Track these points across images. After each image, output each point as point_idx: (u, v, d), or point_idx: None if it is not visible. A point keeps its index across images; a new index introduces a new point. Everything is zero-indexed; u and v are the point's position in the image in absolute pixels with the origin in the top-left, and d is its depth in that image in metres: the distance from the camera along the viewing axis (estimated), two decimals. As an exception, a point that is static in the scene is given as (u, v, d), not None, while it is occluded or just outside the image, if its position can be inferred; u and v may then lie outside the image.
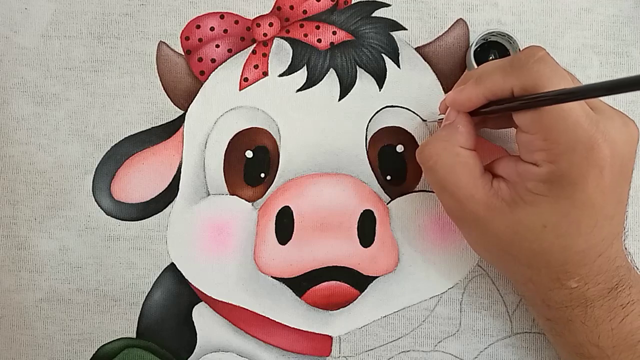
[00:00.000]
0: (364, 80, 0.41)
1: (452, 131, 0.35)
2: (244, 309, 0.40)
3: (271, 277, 0.40)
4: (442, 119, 0.37)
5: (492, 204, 0.33)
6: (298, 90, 0.41)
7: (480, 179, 0.34)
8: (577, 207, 0.31)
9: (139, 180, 0.41)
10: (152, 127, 0.41)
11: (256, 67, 0.41)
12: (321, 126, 0.41)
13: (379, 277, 0.40)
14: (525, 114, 0.32)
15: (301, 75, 0.41)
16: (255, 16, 0.42)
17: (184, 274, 0.41)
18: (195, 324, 0.41)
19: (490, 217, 0.33)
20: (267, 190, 0.40)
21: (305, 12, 0.41)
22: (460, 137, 0.34)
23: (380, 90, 0.41)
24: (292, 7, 0.41)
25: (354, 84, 0.41)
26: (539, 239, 0.32)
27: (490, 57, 0.41)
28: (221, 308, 0.40)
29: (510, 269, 0.36)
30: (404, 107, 0.41)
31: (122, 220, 0.41)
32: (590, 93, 0.28)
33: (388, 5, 0.42)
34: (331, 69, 0.41)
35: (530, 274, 0.34)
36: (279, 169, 0.40)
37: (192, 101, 0.41)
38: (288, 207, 0.39)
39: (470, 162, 0.34)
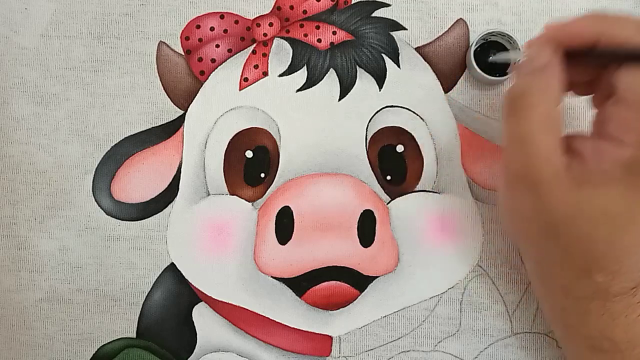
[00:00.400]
0: (364, 80, 0.41)
1: (550, 79, 0.31)
2: (244, 309, 0.40)
3: (271, 277, 0.40)
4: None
5: (561, 175, 0.31)
6: (298, 90, 0.41)
7: (560, 144, 0.31)
8: None
9: (139, 180, 0.41)
10: (152, 127, 0.41)
11: (256, 67, 0.41)
12: (321, 126, 0.41)
13: (379, 277, 0.40)
14: (637, 86, 0.30)
15: (301, 75, 0.41)
16: (255, 16, 0.42)
17: (184, 274, 0.41)
18: (195, 324, 0.41)
19: (554, 187, 0.31)
20: (267, 190, 0.40)
21: (305, 12, 0.41)
22: (557, 89, 0.31)
23: (380, 90, 0.41)
24: (292, 7, 0.41)
25: (354, 84, 0.41)
26: (592, 225, 0.31)
27: (490, 57, 0.41)
28: (221, 308, 0.40)
29: (541, 249, 0.33)
30: (404, 107, 0.41)
31: (122, 220, 0.41)
32: None
33: (388, 5, 0.42)
34: (331, 69, 0.41)
35: (562, 258, 0.32)
36: (279, 169, 0.40)
37: (192, 101, 0.41)
38: (288, 207, 0.39)
39: (559, 122, 0.31)
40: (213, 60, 0.41)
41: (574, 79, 0.34)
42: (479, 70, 0.40)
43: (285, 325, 0.40)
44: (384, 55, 0.41)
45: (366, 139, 0.41)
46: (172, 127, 0.41)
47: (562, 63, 0.31)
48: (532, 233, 0.34)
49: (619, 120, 0.31)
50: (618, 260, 0.32)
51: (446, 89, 0.41)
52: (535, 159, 0.31)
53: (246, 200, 0.40)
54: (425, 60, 0.41)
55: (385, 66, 0.41)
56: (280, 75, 0.41)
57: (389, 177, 0.41)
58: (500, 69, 0.41)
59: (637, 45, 0.29)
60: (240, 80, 0.41)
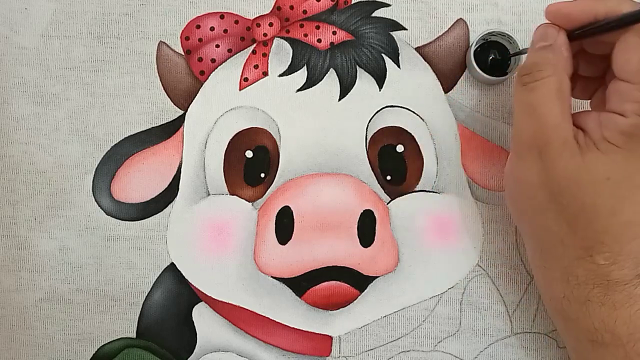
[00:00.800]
0: (364, 80, 0.41)
1: (558, 54, 0.33)
2: (244, 309, 0.40)
3: (271, 277, 0.40)
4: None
5: (569, 142, 0.32)
6: (298, 90, 0.41)
7: (570, 114, 0.33)
8: None
9: (139, 180, 0.41)
10: (152, 127, 0.41)
11: (256, 67, 0.41)
12: (321, 126, 0.41)
13: (379, 277, 0.40)
14: (632, 58, 0.31)
15: (301, 75, 0.41)
16: (255, 16, 0.42)
17: (184, 274, 0.41)
18: (195, 324, 0.41)
19: (562, 153, 0.32)
20: (267, 190, 0.40)
21: (305, 12, 0.41)
22: (566, 63, 0.33)
23: (380, 90, 0.41)
24: (292, 7, 0.41)
25: (354, 84, 0.41)
26: (596, 192, 0.32)
27: (490, 57, 0.41)
28: (221, 308, 0.40)
29: (544, 225, 0.34)
30: (404, 107, 0.41)
31: (122, 220, 0.41)
32: None
33: (388, 5, 0.42)
34: (331, 69, 0.41)
35: (564, 235, 0.33)
36: (279, 169, 0.40)
37: (192, 101, 0.41)
38: (288, 207, 0.39)
39: (568, 94, 0.33)
40: (213, 60, 0.41)
41: (582, 73, 0.36)
42: (479, 70, 0.40)
43: (285, 325, 0.40)
44: (384, 55, 0.41)
45: (366, 139, 0.41)
46: (172, 127, 0.41)
47: (567, 42, 0.34)
48: (536, 206, 0.34)
49: (618, 94, 0.32)
50: (618, 240, 0.32)
51: (446, 89, 0.41)
52: (544, 126, 0.32)
53: (246, 200, 0.40)
54: (425, 60, 0.41)
55: (385, 66, 0.41)
56: (280, 75, 0.41)
57: (389, 177, 0.41)
58: (500, 69, 0.41)
59: (630, 10, 0.31)
60: (240, 80, 0.41)
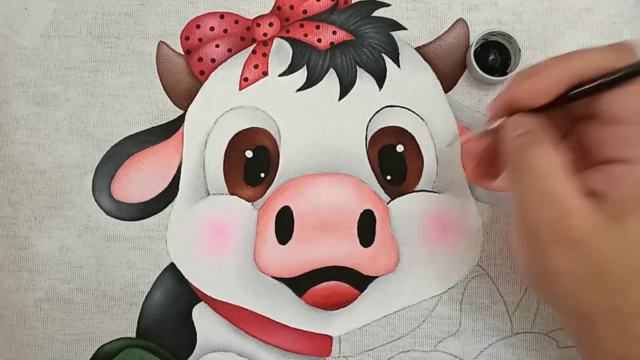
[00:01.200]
0: (364, 80, 0.41)
1: (547, 134, 0.30)
2: (244, 308, 0.40)
3: (271, 277, 0.40)
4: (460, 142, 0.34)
5: (593, 218, 0.28)
6: (298, 90, 0.41)
7: (581, 192, 0.29)
8: None
9: (138, 180, 0.41)
10: (152, 127, 0.41)
11: (256, 66, 0.41)
12: (321, 126, 0.41)
13: (379, 277, 0.40)
14: (630, 99, 0.28)
15: (301, 75, 0.41)
16: (255, 16, 0.42)
17: (183, 274, 0.41)
18: (195, 324, 0.41)
19: (595, 236, 0.28)
20: (267, 190, 0.40)
21: (305, 11, 0.41)
22: (551, 140, 0.30)
23: (380, 90, 0.41)
24: (292, 7, 0.41)
25: (354, 83, 0.41)
26: None
27: (490, 57, 0.41)
28: (221, 308, 0.40)
29: (588, 302, 0.30)
30: (404, 107, 0.41)
31: (122, 220, 0.41)
32: None
33: (388, 5, 0.42)
34: (331, 69, 0.41)
35: (616, 301, 0.29)
36: (279, 168, 0.40)
37: (192, 101, 0.41)
38: (288, 207, 0.39)
39: (568, 171, 0.29)
40: (213, 60, 0.41)
41: None
42: (479, 70, 0.40)
43: (285, 325, 0.40)
44: (384, 55, 0.41)
45: (366, 138, 0.41)
46: (172, 127, 0.41)
47: (544, 117, 0.31)
48: (576, 290, 0.30)
49: (623, 139, 0.29)
50: None
51: (446, 89, 0.41)
52: (565, 214, 0.29)
53: (246, 200, 0.40)
54: (425, 60, 0.41)
55: (385, 66, 0.41)
56: (280, 75, 0.41)
57: (389, 177, 0.41)
58: (500, 69, 0.41)
59: (618, 66, 0.28)
60: (240, 80, 0.41)
